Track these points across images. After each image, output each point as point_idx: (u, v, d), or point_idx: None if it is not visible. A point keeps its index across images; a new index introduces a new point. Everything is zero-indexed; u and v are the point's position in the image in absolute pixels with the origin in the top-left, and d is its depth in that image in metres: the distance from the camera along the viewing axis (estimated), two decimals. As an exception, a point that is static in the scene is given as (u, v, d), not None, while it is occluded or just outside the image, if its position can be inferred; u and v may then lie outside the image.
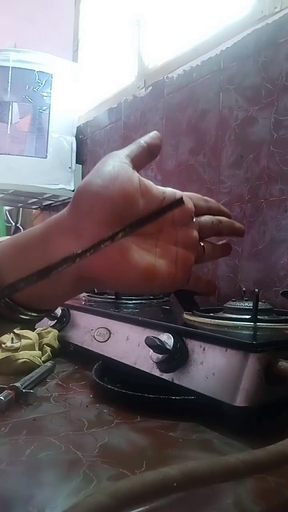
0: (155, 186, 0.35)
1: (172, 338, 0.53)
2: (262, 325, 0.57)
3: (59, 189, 1.49)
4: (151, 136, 0.37)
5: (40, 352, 0.72)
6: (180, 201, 0.32)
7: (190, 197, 0.38)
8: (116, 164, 0.33)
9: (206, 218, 0.40)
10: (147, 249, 0.34)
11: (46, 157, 1.49)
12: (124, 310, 0.75)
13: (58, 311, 0.82)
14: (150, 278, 0.33)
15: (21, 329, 0.77)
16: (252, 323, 0.57)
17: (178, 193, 0.37)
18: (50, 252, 0.31)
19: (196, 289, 0.44)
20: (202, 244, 0.39)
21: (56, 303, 0.37)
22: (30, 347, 0.71)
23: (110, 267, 0.32)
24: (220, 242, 0.44)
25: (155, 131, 0.37)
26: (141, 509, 0.27)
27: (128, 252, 0.33)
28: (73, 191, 1.53)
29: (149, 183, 0.35)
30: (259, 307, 0.58)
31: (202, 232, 0.39)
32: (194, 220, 0.37)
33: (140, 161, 0.35)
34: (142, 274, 0.33)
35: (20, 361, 0.66)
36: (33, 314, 0.34)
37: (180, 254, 0.35)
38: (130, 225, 0.31)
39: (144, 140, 0.36)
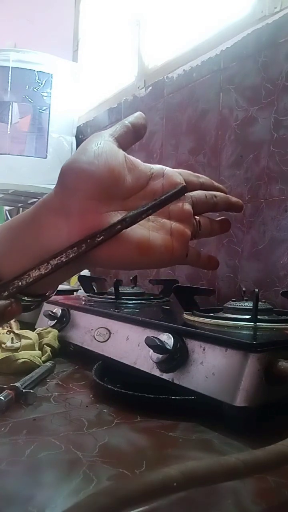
0: (142, 163, 0.35)
1: (172, 338, 0.53)
2: (262, 325, 0.57)
3: (59, 189, 1.49)
4: (135, 116, 0.36)
5: (40, 352, 0.72)
6: (183, 190, 0.32)
7: (180, 173, 0.37)
8: (100, 142, 0.33)
9: (199, 192, 0.38)
10: (140, 223, 0.33)
11: (46, 157, 1.49)
12: (124, 310, 0.75)
13: (58, 311, 0.82)
14: (145, 251, 0.32)
15: (21, 329, 0.78)
16: (252, 323, 0.57)
17: (166, 169, 0.36)
18: (41, 235, 0.31)
19: (197, 265, 0.43)
20: (197, 218, 0.39)
21: (52, 286, 0.37)
22: (30, 347, 0.71)
23: (104, 245, 0.31)
24: (219, 218, 0.43)
25: (139, 112, 0.37)
26: (141, 509, 0.27)
27: None
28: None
29: (136, 159, 0.34)
30: (259, 307, 0.58)
31: (196, 207, 0.38)
32: (185, 194, 0.36)
33: (125, 141, 0.35)
34: (136, 248, 0.32)
35: (20, 361, 0.66)
36: (32, 299, 0.34)
37: (174, 227, 0.35)
38: (130, 216, 0.31)
39: (128, 120, 0.36)
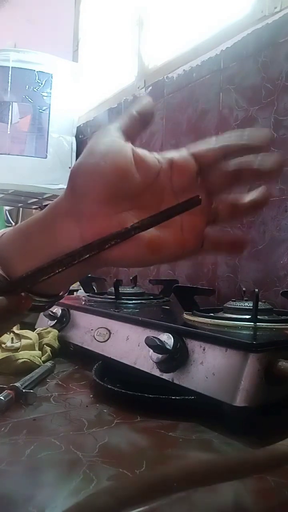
0: (151, 156, 0.32)
1: (172, 338, 0.53)
2: (262, 325, 0.57)
3: (59, 189, 1.49)
4: (142, 103, 0.34)
5: (40, 352, 0.72)
6: (197, 201, 0.31)
7: (194, 153, 0.33)
8: (106, 140, 0.32)
9: (218, 171, 0.33)
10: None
11: (46, 157, 1.49)
12: (124, 310, 0.75)
13: (58, 311, 0.82)
14: (155, 249, 0.32)
15: (21, 329, 0.78)
16: (252, 323, 0.57)
17: (175, 158, 0.33)
18: (54, 239, 0.32)
19: (220, 252, 0.40)
20: (214, 204, 0.34)
21: (65, 286, 0.37)
22: (30, 347, 0.71)
23: (115, 246, 0.31)
24: (249, 195, 0.34)
25: (147, 97, 0.35)
26: (141, 509, 0.27)
27: None
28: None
29: (144, 153, 0.32)
30: (259, 307, 0.58)
31: (215, 188, 0.33)
32: (198, 181, 0.33)
33: (133, 132, 0.33)
34: (146, 247, 0.32)
35: (20, 361, 0.66)
36: (44, 300, 0.34)
37: (185, 220, 0.33)
38: (141, 224, 0.31)
39: (135, 109, 0.34)
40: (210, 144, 0.34)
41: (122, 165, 0.31)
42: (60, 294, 0.36)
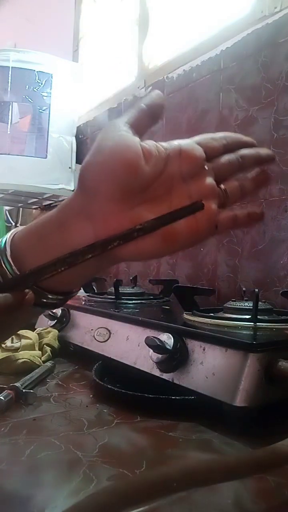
0: (158, 147, 0.32)
1: (172, 338, 0.53)
2: (262, 325, 0.57)
3: (59, 189, 1.49)
4: (151, 96, 0.34)
5: (40, 352, 0.72)
6: (199, 206, 0.32)
7: (199, 142, 0.34)
8: (114, 135, 0.31)
9: (222, 158, 0.35)
10: (162, 213, 0.32)
11: (46, 157, 1.49)
12: (124, 310, 0.75)
13: (58, 311, 0.82)
14: (170, 240, 0.32)
15: (21, 329, 0.78)
16: (252, 323, 0.57)
17: (182, 146, 0.33)
18: (68, 238, 0.32)
19: (236, 228, 0.41)
20: (223, 187, 0.36)
21: (78, 284, 0.37)
22: (30, 347, 0.71)
23: (131, 242, 0.31)
24: (252, 174, 0.38)
25: (156, 90, 0.35)
26: (141, 509, 0.27)
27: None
28: (73, 191, 1.52)
29: (151, 145, 0.32)
30: (259, 307, 0.58)
31: (220, 176, 0.35)
32: (206, 167, 0.34)
33: (142, 125, 0.33)
34: (162, 240, 0.32)
35: (20, 361, 0.66)
36: (57, 297, 0.34)
37: None
38: (144, 226, 0.31)
39: (144, 102, 0.33)
40: (213, 135, 0.36)
41: (131, 160, 0.30)
42: (73, 291, 0.36)
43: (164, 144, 0.33)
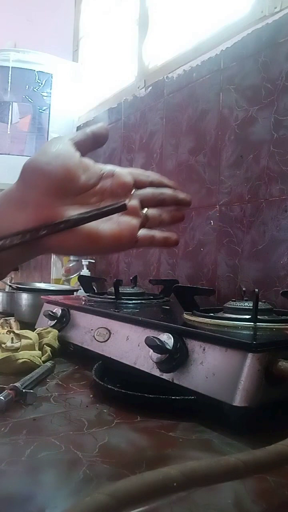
0: (95, 164, 0.39)
1: (172, 338, 0.53)
2: (262, 325, 0.57)
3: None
4: (97, 125, 0.40)
5: (40, 352, 0.72)
6: (122, 207, 0.37)
7: (131, 172, 0.41)
8: (60, 145, 0.37)
9: (147, 190, 0.42)
10: None
11: (46, 157, 1.49)
12: (124, 310, 0.75)
13: (58, 311, 0.82)
14: (94, 240, 0.37)
15: (21, 329, 0.78)
16: (252, 323, 0.57)
17: (116, 170, 0.40)
18: (0, 223, 0.35)
19: (154, 246, 0.47)
20: (145, 210, 0.42)
21: (6, 269, 0.41)
22: (30, 347, 0.71)
23: (58, 235, 0.35)
24: (170, 210, 0.45)
25: (103, 123, 0.41)
26: (141, 509, 0.27)
27: None
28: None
29: (90, 161, 0.38)
30: (259, 307, 0.58)
31: (144, 203, 0.42)
32: (132, 192, 0.41)
33: (84, 146, 0.39)
34: (86, 238, 0.36)
35: (20, 361, 0.66)
36: None
37: (121, 219, 0.39)
38: (74, 219, 0.35)
39: (90, 129, 0.40)
40: (143, 172, 0.43)
41: (70, 165, 0.36)
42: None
43: (102, 165, 0.40)
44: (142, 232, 0.41)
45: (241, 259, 0.92)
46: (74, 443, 0.42)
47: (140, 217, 0.41)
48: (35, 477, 0.37)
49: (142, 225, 0.41)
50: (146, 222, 0.42)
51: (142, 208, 0.42)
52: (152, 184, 0.43)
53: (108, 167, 0.40)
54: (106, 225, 0.37)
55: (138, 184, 0.42)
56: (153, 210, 0.43)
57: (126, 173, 0.41)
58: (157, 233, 0.42)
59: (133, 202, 0.40)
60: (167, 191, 0.44)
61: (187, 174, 1.09)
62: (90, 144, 0.40)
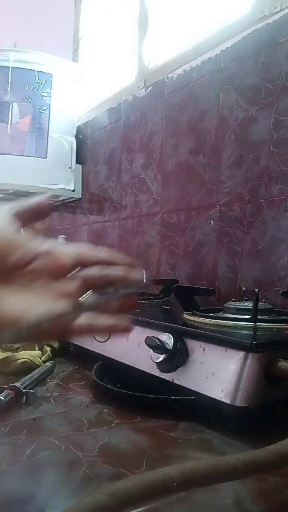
0: (33, 240, 0.36)
1: (172, 338, 0.53)
2: (262, 325, 0.57)
3: (59, 189, 1.49)
4: (39, 198, 0.38)
5: (40, 352, 0.72)
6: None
7: (73, 251, 0.37)
8: None
9: (92, 270, 0.37)
10: (24, 295, 0.34)
11: (46, 157, 1.49)
12: (124, 310, 0.75)
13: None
14: (19, 326, 0.33)
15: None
16: (252, 323, 0.57)
17: (54, 250, 0.36)
18: None
19: (94, 334, 0.46)
20: (87, 295, 0.37)
21: None
22: (30, 347, 0.71)
23: None
24: (120, 297, 0.39)
25: (47, 196, 0.39)
26: (141, 509, 0.27)
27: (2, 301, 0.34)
28: (73, 191, 1.53)
29: (28, 238, 0.36)
30: (259, 307, 0.58)
31: (89, 284, 0.37)
32: (73, 272, 0.36)
33: (26, 217, 0.37)
34: (12, 323, 0.33)
35: (20, 361, 0.67)
36: None
37: (55, 303, 0.35)
38: None
39: (34, 199, 0.38)
40: (91, 248, 0.38)
41: (1, 243, 0.34)
42: None
43: (40, 242, 0.36)
44: (81, 319, 0.35)
45: (241, 259, 0.92)
46: (74, 443, 0.42)
47: (77, 302, 0.36)
48: (35, 477, 0.37)
49: (77, 310, 0.36)
50: (87, 308, 0.36)
51: (88, 289, 0.36)
52: (99, 262, 0.37)
53: (46, 246, 0.36)
54: (34, 312, 0.33)
55: (83, 263, 0.37)
56: (94, 296, 0.37)
57: (64, 253, 0.36)
58: (100, 321, 0.37)
59: (70, 285, 0.36)
60: (115, 272, 0.37)
61: (187, 174, 1.09)
62: (32, 215, 0.37)
